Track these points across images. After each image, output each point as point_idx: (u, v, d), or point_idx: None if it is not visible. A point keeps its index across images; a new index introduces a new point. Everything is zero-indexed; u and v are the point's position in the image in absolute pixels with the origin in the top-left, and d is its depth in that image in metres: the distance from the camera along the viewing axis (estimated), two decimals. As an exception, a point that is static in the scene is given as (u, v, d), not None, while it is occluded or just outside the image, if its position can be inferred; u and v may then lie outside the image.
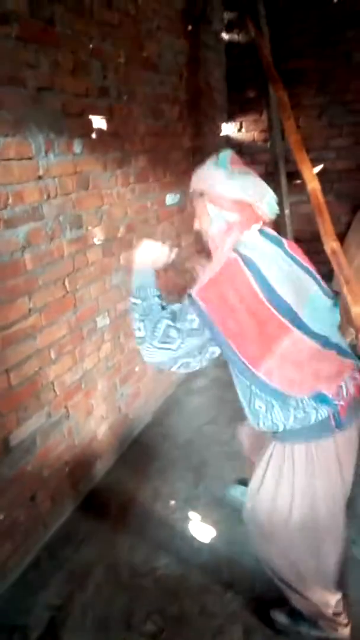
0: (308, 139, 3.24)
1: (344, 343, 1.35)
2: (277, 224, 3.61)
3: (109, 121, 2.17)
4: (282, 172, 3.41)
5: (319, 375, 1.25)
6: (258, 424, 1.33)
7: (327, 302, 1.33)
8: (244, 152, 3.80)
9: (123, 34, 2.21)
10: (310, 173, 2.41)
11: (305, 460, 1.31)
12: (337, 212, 3.48)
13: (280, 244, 1.34)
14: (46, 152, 1.78)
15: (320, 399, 1.25)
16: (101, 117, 2.11)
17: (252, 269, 1.20)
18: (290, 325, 1.20)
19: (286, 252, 1.32)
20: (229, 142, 3.81)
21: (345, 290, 2.13)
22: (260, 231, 1.32)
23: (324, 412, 1.25)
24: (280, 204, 3.45)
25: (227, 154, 1.31)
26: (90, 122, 2.04)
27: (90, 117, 2.04)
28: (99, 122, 2.10)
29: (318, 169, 3.43)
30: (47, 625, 1.70)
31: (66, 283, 1.99)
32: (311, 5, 3.28)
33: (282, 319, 1.19)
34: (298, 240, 3.68)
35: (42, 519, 1.99)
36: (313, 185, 2.38)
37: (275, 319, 1.19)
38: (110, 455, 2.49)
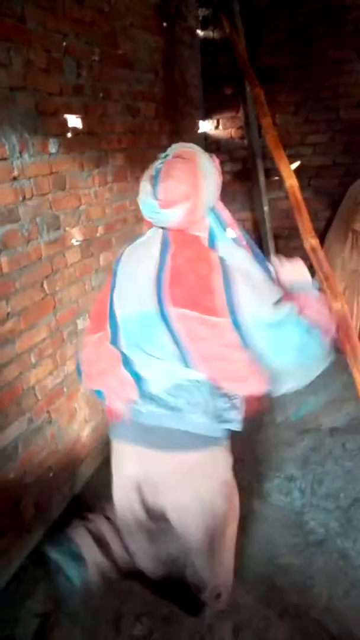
0: (285, 136, 3.26)
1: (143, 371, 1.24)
2: (256, 220, 3.63)
3: (84, 120, 2.13)
4: (259, 168, 3.43)
5: (103, 372, 1.30)
6: None
7: (150, 323, 1.17)
8: (222, 149, 3.80)
9: (96, 31, 2.18)
10: (288, 170, 2.42)
11: None
12: (315, 208, 3.51)
13: (164, 250, 1.21)
14: (20, 153, 1.74)
15: (98, 392, 1.35)
16: (76, 115, 2.08)
17: (117, 261, 1.32)
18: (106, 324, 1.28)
19: (162, 260, 1.19)
20: (206, 139, 3.81)
21: (325, 286, 2.15)
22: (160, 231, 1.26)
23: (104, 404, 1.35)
24: (259, 199, 3.49)
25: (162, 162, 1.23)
26: (65, 121, 2.01)
27: (65, 116, 2.00)
28: (74, 120, 2.06)
29: (295, 165, 3.45)
30: (35, 633, 1.67)
31: (45, 285, 1.96)
32: (285, 2, 3.29)
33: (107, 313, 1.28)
34: (278, 236, 3.74)
35: (26, 526, 1.96)
36: (291, 182, 2.39)
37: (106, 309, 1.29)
38: (95, 458, 2.47)
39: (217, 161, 1.27)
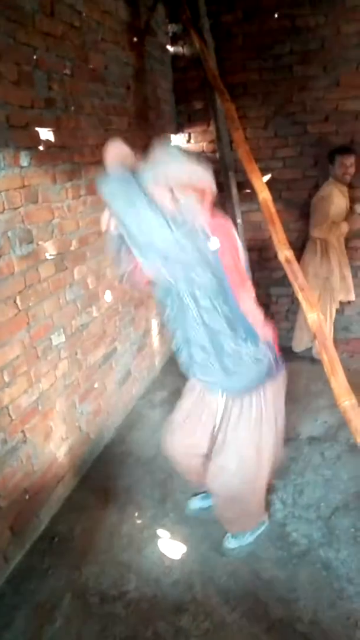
0: (255, 149, 3.31)
1: None
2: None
3: (56, 133, 2.11)
4: (232, 182, 3.47)
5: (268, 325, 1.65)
6: (226, 369, 1.59)
7: None
8: (194, 162, 3.82)
9: (67, 45, 2.17)
10: (261, 183, 2.44)
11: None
12: (287, 220, 3.57)
13: None
14: (-9, 166, 1.70)
15: (270, 345, 1.65)
16: (48, 128, 2.05)
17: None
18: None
19: None
20: (178, 152, 3.83)
21: (300, 297, 2.17)
22: None
23: (268, 359, 1.62)
24: (232, 212, 3.52)
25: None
26: (37, 134, 1.98)
27: (37, 129, 1.98)
28: (46, 134, 2.04)
29: (266, 178, 3.51)
30: (13, 667, 1.60)
31: (17, 301, 1.91)
32: (253, 20, 3.37)
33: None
34: (251, 248, 3.77)
35: (2, 552, 1.88)
36: (264, 195, 2.40)
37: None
38: (73, 477, 2.40)
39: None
